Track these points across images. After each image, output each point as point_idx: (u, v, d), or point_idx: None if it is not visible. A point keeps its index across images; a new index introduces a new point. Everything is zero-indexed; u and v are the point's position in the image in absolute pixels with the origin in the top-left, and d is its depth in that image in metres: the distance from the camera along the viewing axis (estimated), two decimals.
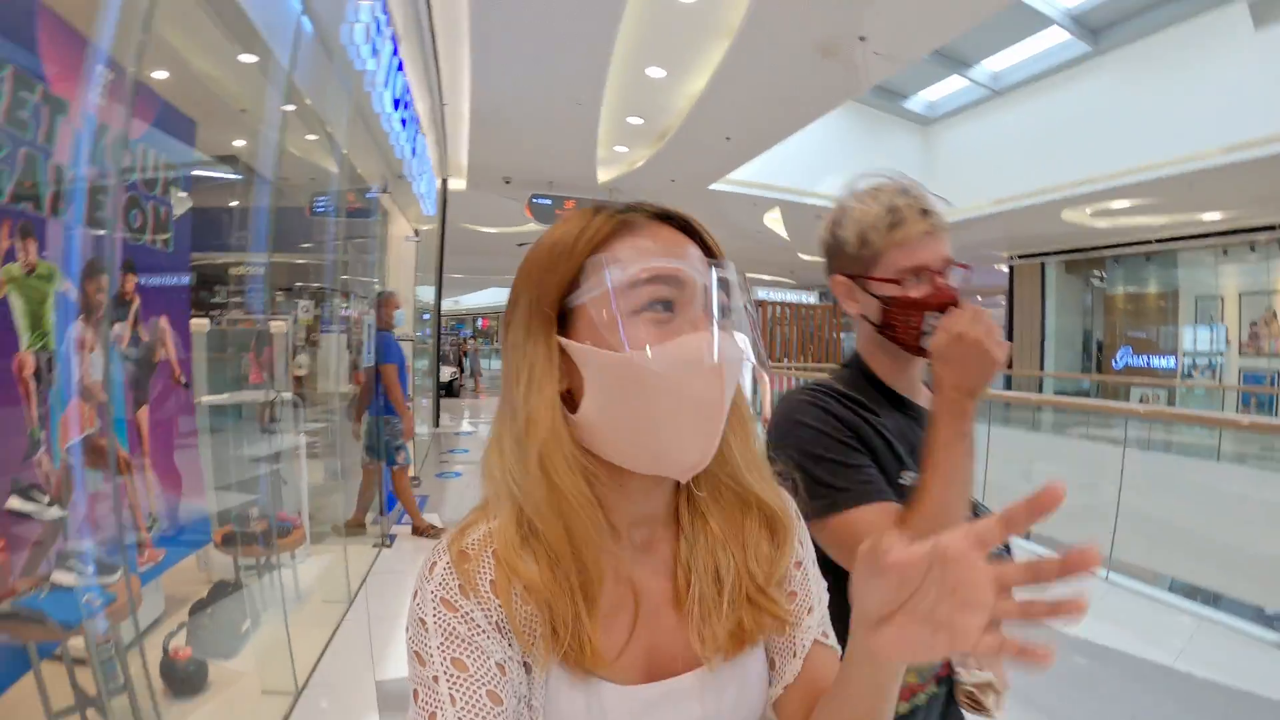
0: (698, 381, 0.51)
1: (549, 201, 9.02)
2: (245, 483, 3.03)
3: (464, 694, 0.48)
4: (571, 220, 0.57)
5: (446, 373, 11.90)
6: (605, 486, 0.54)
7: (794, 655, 0.61)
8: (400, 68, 3.91)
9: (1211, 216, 9.64)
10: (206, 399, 2.91)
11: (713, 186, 9.49)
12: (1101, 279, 13.58)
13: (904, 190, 0.97)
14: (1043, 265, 13.87)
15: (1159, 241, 11.68)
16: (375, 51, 2.94)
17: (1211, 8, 8.06)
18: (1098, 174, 9.09)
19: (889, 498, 0.88)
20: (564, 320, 0.55)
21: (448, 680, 0.48)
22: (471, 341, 22.15)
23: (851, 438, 0.92)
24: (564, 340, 0.54)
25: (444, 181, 8.51)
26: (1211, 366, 11.46)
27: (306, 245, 4.90)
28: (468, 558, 0.53)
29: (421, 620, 0.51)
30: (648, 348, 0.50)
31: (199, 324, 2.85)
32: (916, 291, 0.95)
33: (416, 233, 7.47)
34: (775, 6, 4.81)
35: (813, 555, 0.67)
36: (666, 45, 5.71)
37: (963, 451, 0.83)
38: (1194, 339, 11.71)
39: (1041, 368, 13.37)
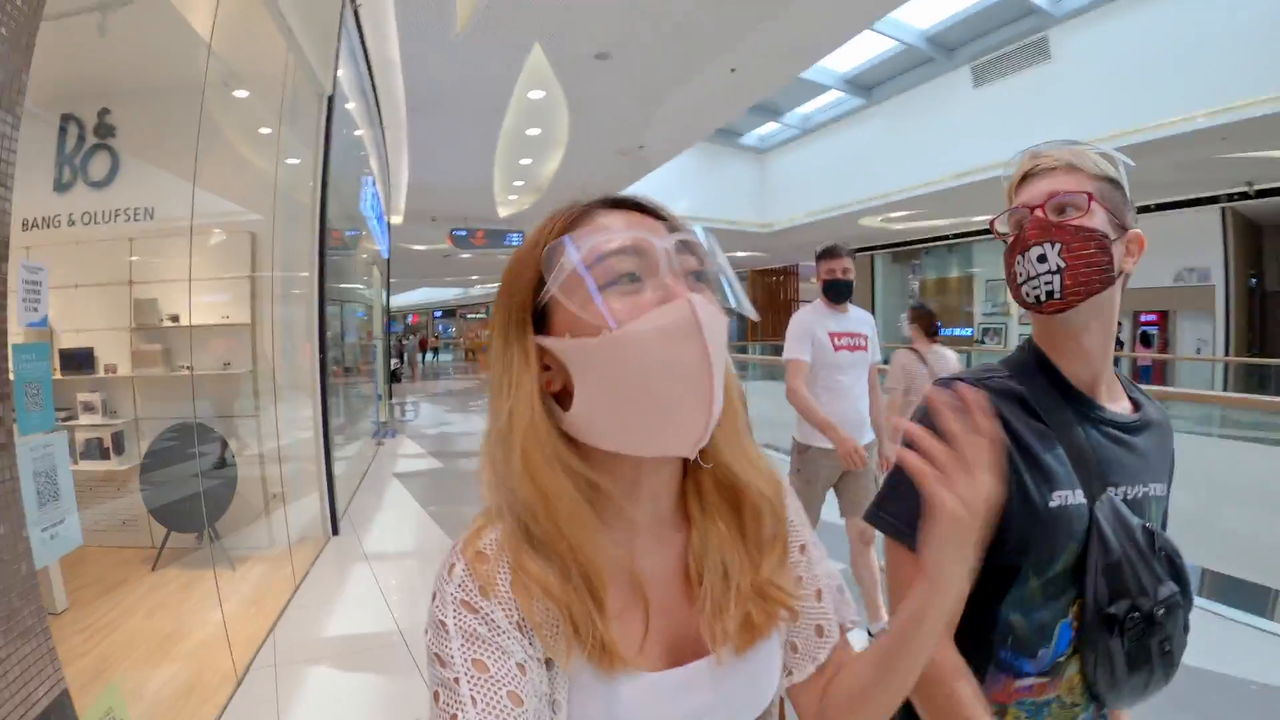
0: (680, 347, 0.48)
1: (465, 232, 12.27)
2: None
3: (485, 695, 0.47)
4: (535, 228, 0.56)
5: (393, 363, 14.79)
6: (602, 480, 0.53)
7: (820, 635, 0.61)
8: (377, 198, 7.32)
9: (982, 218, 11.61)
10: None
11: None
12: (917, 269, 16.94)
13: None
14: (873, 258, 17.32)
15: (955, 237, 14.92)
16: (372, 209, 6.41)
17: (945, 71, 10.94)
18: (879, 194, 12.00)
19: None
20: (541, 323, 0.54)
21: (469, 682, 0.48)
22: (413, 336, 24.52)
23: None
24: (542, 340, 0.53)
25: (388, 221, 11.26)
26: (999, 333, 14.76)
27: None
28: (485, 559, 0.52)
29: (442, 622, 0.50)
30: (620, 322, 0.49)
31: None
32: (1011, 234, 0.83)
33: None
34: (585, 129, 8.19)
35: (814, 538, 0.66)
36: (528, 148, 9.21)
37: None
38: (986, 312, 14.96)
39: None
